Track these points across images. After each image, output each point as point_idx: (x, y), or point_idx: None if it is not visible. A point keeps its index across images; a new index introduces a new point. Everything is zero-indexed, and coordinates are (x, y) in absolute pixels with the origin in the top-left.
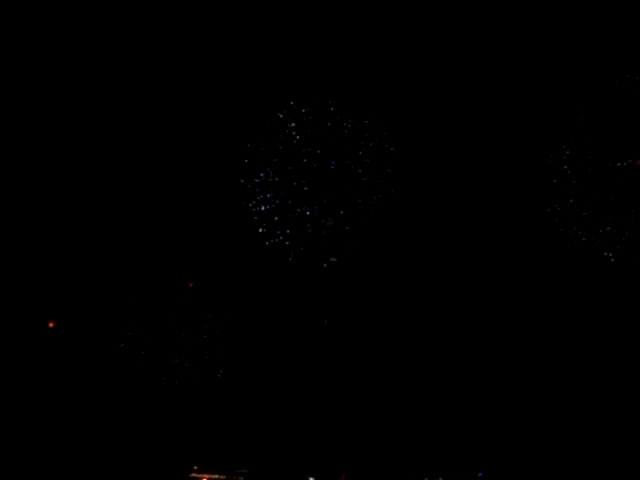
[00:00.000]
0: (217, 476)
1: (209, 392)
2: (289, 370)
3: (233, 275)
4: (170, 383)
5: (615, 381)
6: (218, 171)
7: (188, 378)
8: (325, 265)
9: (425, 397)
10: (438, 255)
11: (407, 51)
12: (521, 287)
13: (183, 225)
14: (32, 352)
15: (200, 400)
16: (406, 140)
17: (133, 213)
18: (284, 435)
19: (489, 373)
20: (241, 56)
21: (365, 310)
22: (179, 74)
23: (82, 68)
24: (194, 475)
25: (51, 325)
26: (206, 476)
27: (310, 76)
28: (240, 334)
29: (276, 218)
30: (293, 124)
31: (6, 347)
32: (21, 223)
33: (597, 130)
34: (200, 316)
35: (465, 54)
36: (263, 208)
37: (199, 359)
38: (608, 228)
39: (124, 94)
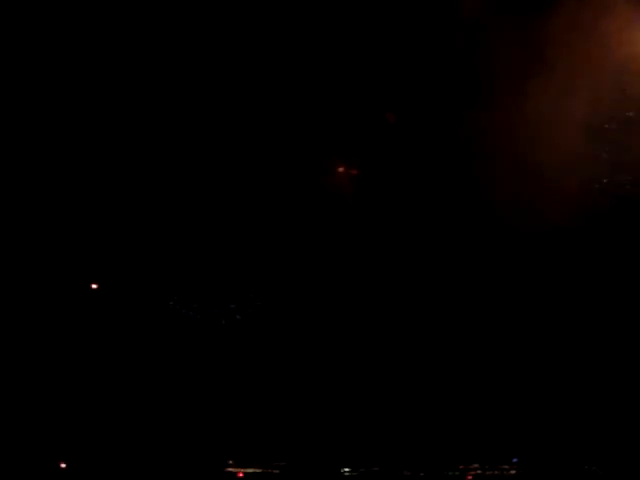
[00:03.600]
0: (252, 470)
1: (242, 386)
2: (324, 362)
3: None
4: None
5: None
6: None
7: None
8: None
9: (458, 383)
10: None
11: None
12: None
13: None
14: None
15: (233, 394)
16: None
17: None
18: (318, 427)
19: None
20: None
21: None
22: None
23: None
24: (230, 470)
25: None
26: (242, 470)
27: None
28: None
29: None
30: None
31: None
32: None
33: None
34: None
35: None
36: None
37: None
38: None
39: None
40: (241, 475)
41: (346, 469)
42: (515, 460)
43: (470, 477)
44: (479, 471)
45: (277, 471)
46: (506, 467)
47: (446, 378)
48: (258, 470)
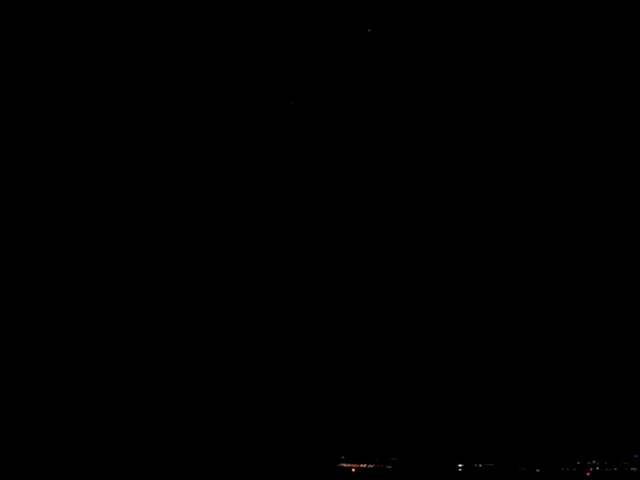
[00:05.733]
0: (365, 465)
1: (355, 378)
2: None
3: None
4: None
5: None
6: None
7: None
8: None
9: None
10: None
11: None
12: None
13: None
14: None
15: (348, 387)
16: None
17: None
18: (431, 422)
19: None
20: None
21: None
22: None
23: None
24: (342, 465)
25: None
26: (354, 465)
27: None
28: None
29: None
30: None
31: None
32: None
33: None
34: None
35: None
36: None
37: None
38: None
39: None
40: (354, 471)
41: (460, 465)
42: (636, 456)
43: (589, 473)
44: (598, 467)
45: (390, 467)
46: (626, 464)
47: (565, 372)
48: (371, 466)
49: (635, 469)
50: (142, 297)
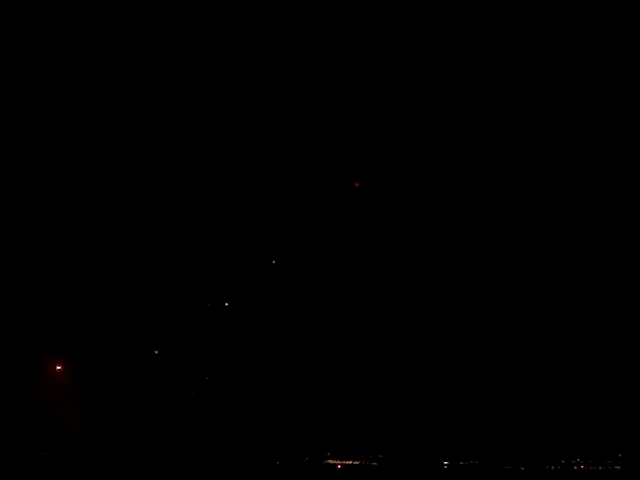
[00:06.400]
0: (351, 462)
1: (341, 376)
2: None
3: None
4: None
5: None
6: None
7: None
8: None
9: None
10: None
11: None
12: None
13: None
14: None
15: (335, 384)
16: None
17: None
18: (417, 419)
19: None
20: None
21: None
22: None
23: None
24: (328, 462)
25: None
26: (340, 462)
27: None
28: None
29: None
30: None
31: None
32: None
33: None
34: None
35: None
36: None
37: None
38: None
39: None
40: (339, 467)
41: (445, 462)
42: (620, 455)
43: (574, 472)
44: (583, 466)
45: (375, 463)
46: (610, 462)
47: (550, 371)
48: (356, 462)
49: (620, 468)
50: (139, 295)
